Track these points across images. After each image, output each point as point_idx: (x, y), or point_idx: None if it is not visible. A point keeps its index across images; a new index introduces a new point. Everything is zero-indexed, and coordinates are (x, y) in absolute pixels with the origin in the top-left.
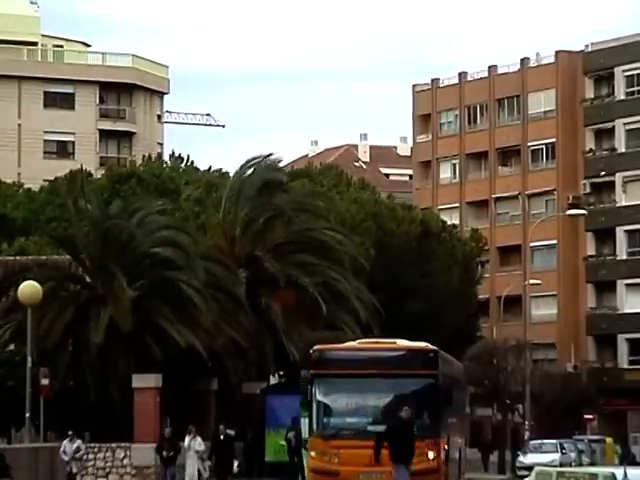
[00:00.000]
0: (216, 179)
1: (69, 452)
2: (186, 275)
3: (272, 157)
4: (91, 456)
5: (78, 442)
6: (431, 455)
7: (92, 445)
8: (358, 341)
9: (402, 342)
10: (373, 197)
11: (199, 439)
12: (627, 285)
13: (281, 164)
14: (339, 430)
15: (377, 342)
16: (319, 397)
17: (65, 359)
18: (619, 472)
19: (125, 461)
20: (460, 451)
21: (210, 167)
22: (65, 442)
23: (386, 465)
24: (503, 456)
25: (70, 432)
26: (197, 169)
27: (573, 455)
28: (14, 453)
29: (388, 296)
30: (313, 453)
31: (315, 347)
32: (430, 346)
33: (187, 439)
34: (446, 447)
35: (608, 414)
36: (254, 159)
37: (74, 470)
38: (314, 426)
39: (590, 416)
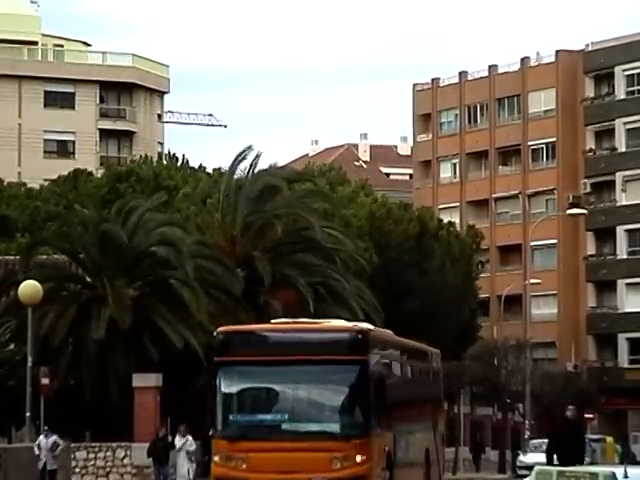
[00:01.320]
0: (216, 179)
1: (44, 447)
2: (180, 274)
3: (260, 155)
4: (91, 455)
5: (54, 437)
6: (359, 459)
7: (92, 444)
8: (274, 321)
9: (329, 322)
10: (371, 197)
11: (190, 439)
12: (627, 284)
13: (281, 164)
14: (247, 430)
15: (295, 322)
16: (224, 389)
17: (65, 359)
18: (619, 471)
19: (125, 460)
20: (429, 451)
21: (202, 166)
22: (41, 437)
23: (305, 471)
24: (503, 455)
25: (45, 427)
26: (193, 168)
27: None
28: (15, 452)
29: (387, 296)
30: (217, 458)
31: (220, 328)
32: (361, 325)
33: (177, 439)
34: (387, 448)
35: (608, 413)
36: (242, 152)
37: (50, 466)
38: (218, 425)
39: (590, 415)
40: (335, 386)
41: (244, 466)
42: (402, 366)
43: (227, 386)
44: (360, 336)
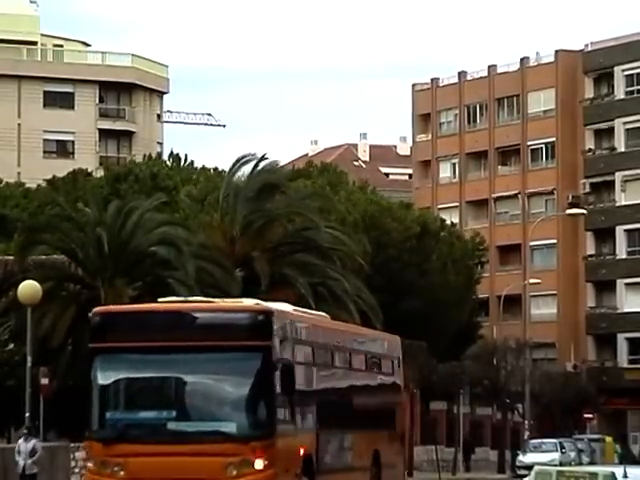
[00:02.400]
0: (215, 179)
1: (23, 452)
2: (179, 274)
3: (267, 158)
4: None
5: (33, 442)
6: (259, 464)
7: None
8: (161, 299)
9: (228, 302)
10: (370, 197)
11: None
12: (627, 284)
13: (281, 164)
14: (126, 430)
15: (185, 301)
16: (100, 381)
17: (65, 359)
18: (619, 471)
19: None
20: (379, 453)
21: (204, 166)
22: (20, 441)
23: (195, 479)
24: (503, 455)
25: (25, 430)
26: (196, 168)
27: (573, 454)
28: (14, 453)
29: (386, 295)
30: (90, 464)
31: (95, 309)
32: (264, 304)
33: None
34: (304, 451)
35: (608, 413)
36: (244, 157)
37: (29, 471)
38: (92, 425)
39: (590, 415)
40: (232, 377)
41: (122, 473)
42: (329, 353)
43: (103, 378)
44: (261, 317)
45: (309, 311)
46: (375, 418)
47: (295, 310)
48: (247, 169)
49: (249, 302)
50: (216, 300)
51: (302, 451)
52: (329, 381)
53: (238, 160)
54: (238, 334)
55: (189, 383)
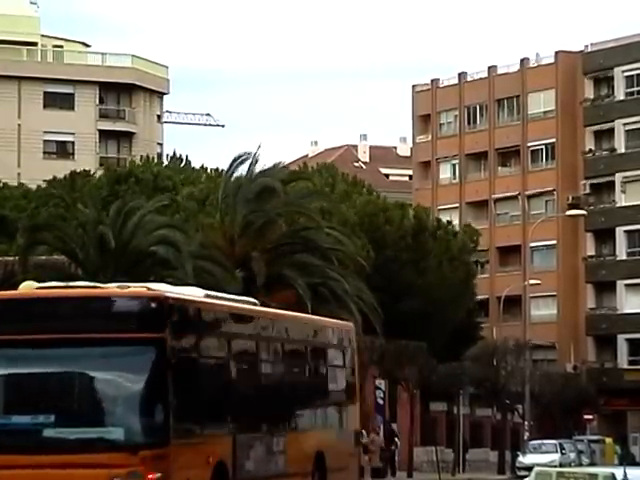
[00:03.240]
0: (216, 179)
1: None
2: (178, 274)
3: (263, 157)
4: None
5: None
6: (151, 477)
7: None
8: (37, 285)
9: (115, 287)
10: (367, 197)
11: None
12: (627, 285)
13: (280, 164)
14: None
15: (66, 287)
16: None
17: None
18: (619, 472)
19: None
20: (323, 456)
21: (203, 165)
22: None
23: None
24: (503, 456)
25: None
26: (194, 169)
27: (573, 455)
28: None
29: (385, 295)
30: None
31: None
32: (158, 289)
33: None
34: (213, 458)
35: (608, 414)
36: (240, 156)
37: None
38: None
39: (590, 416)
40: (119, 375)
41: None
42: (253, 344)
43: None
44: (153, 305)
45: (231, 296)
46: (318, 416)
47: (208, 296)
48: (246, 169)
49: (133, 286)
50: (104, 285)
51: (211, 459)
52: (252, 376)
53: (235, 159)
54: (126, 325)
55: (69, 383)
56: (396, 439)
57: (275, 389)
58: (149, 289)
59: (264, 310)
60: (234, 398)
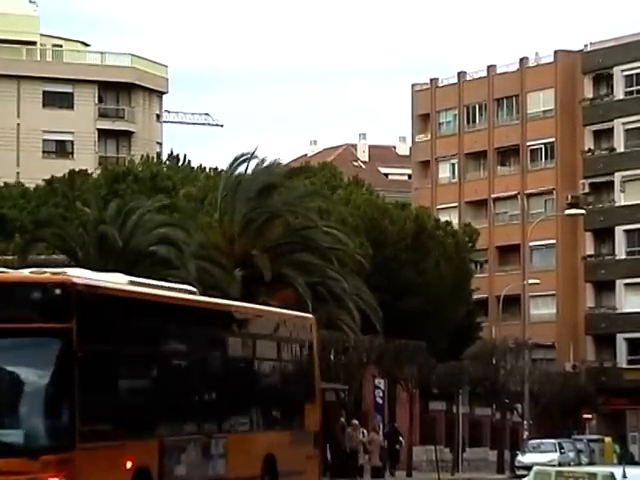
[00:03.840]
0: (214, 178)
1: None
2: (179, 274)
3: (264, 157)
4: None
5: None
6: None
7: None
8: None
9: (28, 272)
10: (367, 197)
11: None
12: (626, 285)
13: (276, 162)
14: None
15: None
16: None
17: None
18: (618, 472)
19: None
20: (274, 459)
21: (201, 165)
22: None
23: None
24: (502, 455)
25: None
26: (193, 168)
27: (572, 455)
28: None
29: (385, 295)
30: None
31: None
32: (65, 274)
33: None
34: (133, 464)
35: (607, 414)
36: (242, 155)
37: None
38: None
39: (589, 416)
40: (19, 371)
41: None
42: (185, 337)
43: None
44: (58, 291)
45: (164, 284)
46: (268, 415)
47: (132, 283)
48: (244, 168)
49: (40, 272)
50: (11, 271)
51: (130, 464)
52: (185, 373)
53: (236, 159)
54: (27, 314)
55: None
56: (400, 438)
57: (214, 386)
58: (56, 274)
59: (200, 299)
60: (161, 397)
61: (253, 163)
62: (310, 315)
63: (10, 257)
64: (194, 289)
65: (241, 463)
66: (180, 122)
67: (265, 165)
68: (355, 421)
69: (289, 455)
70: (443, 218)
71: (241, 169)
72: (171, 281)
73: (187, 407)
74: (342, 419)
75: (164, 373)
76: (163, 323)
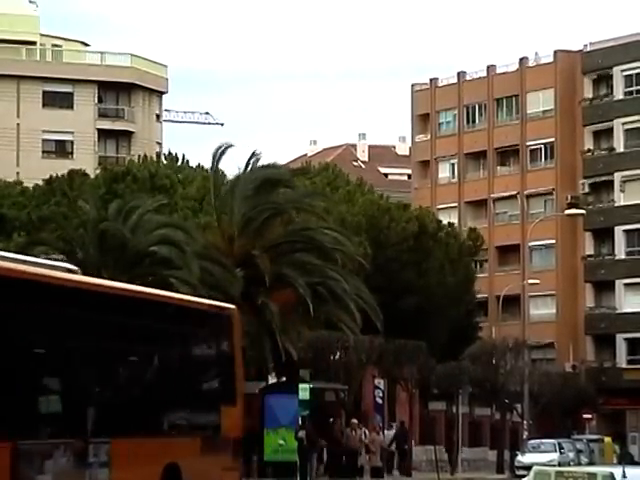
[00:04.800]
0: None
1: None
2: (182, 274)
3: (257, 153)
4: None
5: None
6: None
7: None
8: None
9: None
10: (368, 197)
11: None
12: (626, 285)
13: (279, 164)
14: None
15: None
16: None
17: None
18: (618, 472)
19: None
20: (179, 468)
21: (201, 165)
22: None
23: None
24: (502, 455)
25: None
26: (192, 168)
27: (571, 455)
28: None
29: (385, 295)
30: None
31: None
32: None
33: None
34: None
35: (607, 414)
36: (221, 147)
37: None
38: None
39: (589, 416)
40: None
41: None
42: (45, 323)
43: None
44: None
45: (31, 259)
46: (170, 418)
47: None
48: (240, 163)
49: None
50: None
51: None
52: (52, 366)
53: (216, 153)
54: None
55: None
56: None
57: (92, 382)
58: None
59: (76, 279)
60: (15, 393)
61: (252, 160)
62: (230, 305)
63: None
64: (75, 268)
65: (131, 474)
66: (181, 121)
67: (263, 163)
68: (354, 420)
69: (198, 465)
70: (443, 218)
71: (239, 166)
72: (172, 282)
73: (55, 406)
74: (341, 419)
75: (22, 367)
76: (22, 304)
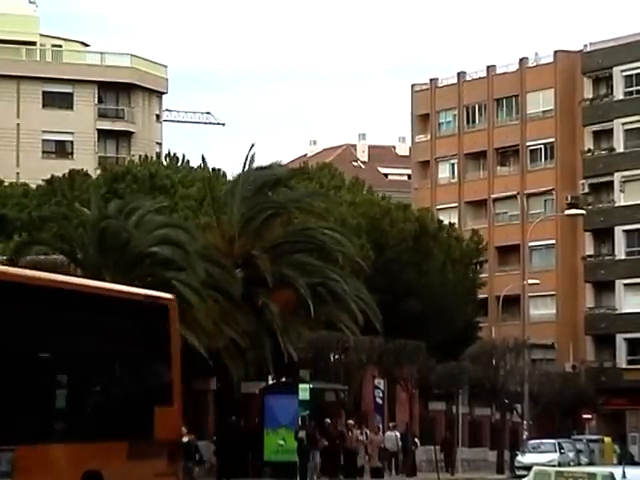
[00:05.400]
0: (213, 178)
1: None
2: (185, 274)
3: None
4: None
5: None
6: None
7: None
8: None
9: None
10: (369, 198)
11: None
12: (625, 285)
13: (280, 163)
14: None
15: None
16: None
17: None
18: (618, 472)
19: None
20: (100, 476)
21: (201, 166)
22: None
23: None
24: (502, 456)
25: None
26: (192, 168)
27: (571, 455)
28: None
29: (386, 296)
30: None
31: None
32: None
33: None
34: None
35: (607, 414)
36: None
37: None
38: None
39: (589, 416)
40: None
41: None
42: None
43: None
44: None
45: None
46: (89, 421)
47: None
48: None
49: None
50: None
51: None
52: None
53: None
54: None
55: None
56: (416, 439)
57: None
58: None
59: None
60: None
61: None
62: (167, 295)
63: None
64: None
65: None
66: (182, 121)
67: (263, 163)
68: (350, 421)
69: (125, 472)
70: (443, 218)
71: (237, 166)
72: (173, 283)
73: None
74: (341, 420)
75: None
76: None
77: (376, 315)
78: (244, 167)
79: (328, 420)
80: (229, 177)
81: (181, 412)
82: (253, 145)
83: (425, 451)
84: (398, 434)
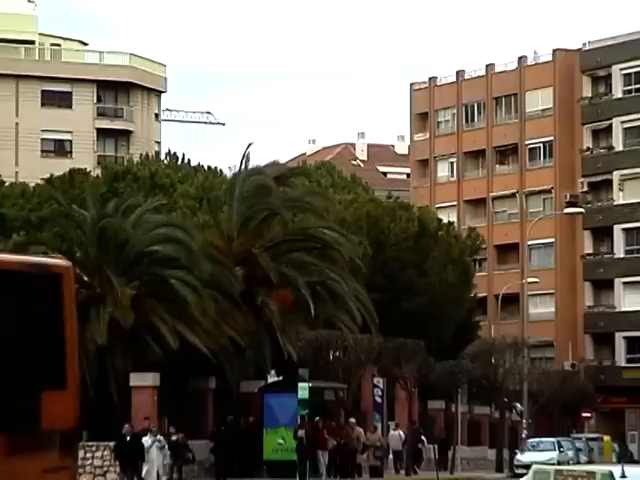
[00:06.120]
0: (212, 178)
1: None
2: (185, 273)
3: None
4: (89, 455)
5: None
6: None
7: (90, 444)
8: None
9: None
10: (369, 196)
11: (161, 439)
12: (624, 283)
13: (280, 162)
14: None
15: None
16: None
17: None
18: (617, 470)
19: None
20: None
21: (199, 165)
22: None
23: None
24: (501, 454)
25: None
26: (192, 167)
27: (571, 453)
28: None
29: (386, 295)
30: None
31: None
32: None
33: (149, 439)
34: None
35: (606, 412)
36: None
37: None
38: None
39: (588, 414)
40: None
41: None
42: None
43: None
44: None
45: None
46: None
47: None
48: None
49: None
50: None
51: None
52: None
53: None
54: None
55: None
56: (422, 437)
57: None
58: None
59: None
60: None
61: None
62: (61, 262)
63: None
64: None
65: None
66: (182, 121)
67: (263, 163)
68: (352, 419)
69: (4, 471)
70: (442, 217)
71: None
72: (172, 281)
73: None
74: (340, 419)
75: None
76: None
77: (372, 317)
78: (240, 166)
79: (317, 418)
80: (228, 176)
81: (78, 396)
82: (250, 144)
83: (424, 450)
84: (402, 433)
